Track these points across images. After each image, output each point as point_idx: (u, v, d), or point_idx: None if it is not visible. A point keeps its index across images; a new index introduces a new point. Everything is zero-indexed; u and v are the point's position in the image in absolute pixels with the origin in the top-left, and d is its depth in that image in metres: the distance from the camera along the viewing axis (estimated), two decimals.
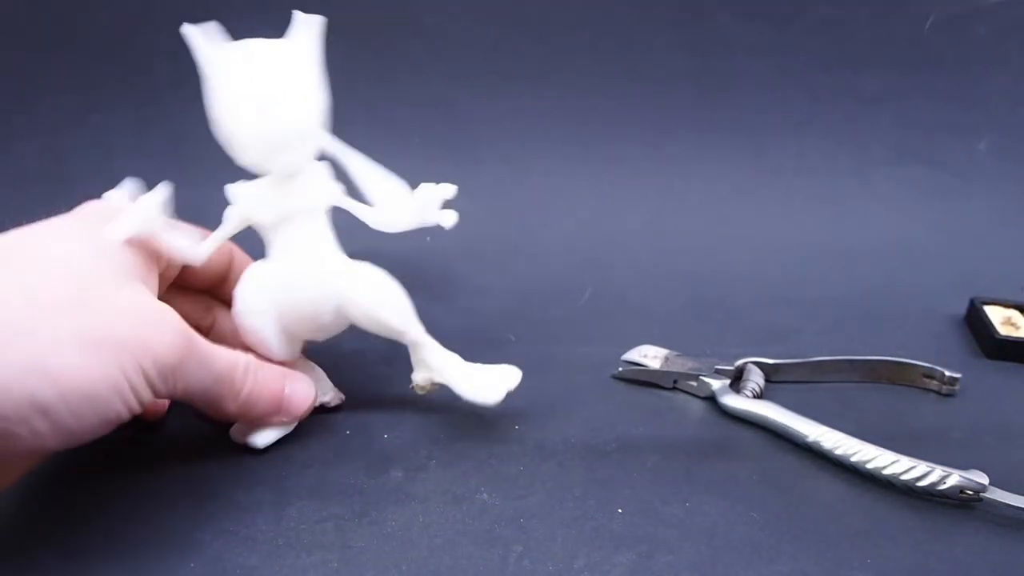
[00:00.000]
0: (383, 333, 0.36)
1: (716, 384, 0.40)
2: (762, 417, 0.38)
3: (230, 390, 0.32)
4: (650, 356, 0.44)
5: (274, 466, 0.35)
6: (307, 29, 0.32)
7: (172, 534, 0.30)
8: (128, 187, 0.32)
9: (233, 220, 0.34)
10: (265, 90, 0.31)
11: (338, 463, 0.35)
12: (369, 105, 0.61)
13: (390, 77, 0.62)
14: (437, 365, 0.37)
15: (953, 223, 0.64)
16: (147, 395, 0.28)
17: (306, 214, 0.34)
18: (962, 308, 0.52)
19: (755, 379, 0.41)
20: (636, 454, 0.36)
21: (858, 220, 0.64)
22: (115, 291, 0.28)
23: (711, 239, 0.61)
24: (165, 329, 0.28)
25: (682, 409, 0.40)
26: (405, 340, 0.37)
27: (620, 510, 0.32)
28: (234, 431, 0.35)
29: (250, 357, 0.33)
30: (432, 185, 0.35)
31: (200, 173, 0.63)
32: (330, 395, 0.38)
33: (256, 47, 0.31)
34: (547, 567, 0.29)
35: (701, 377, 0.41)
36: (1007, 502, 0.32)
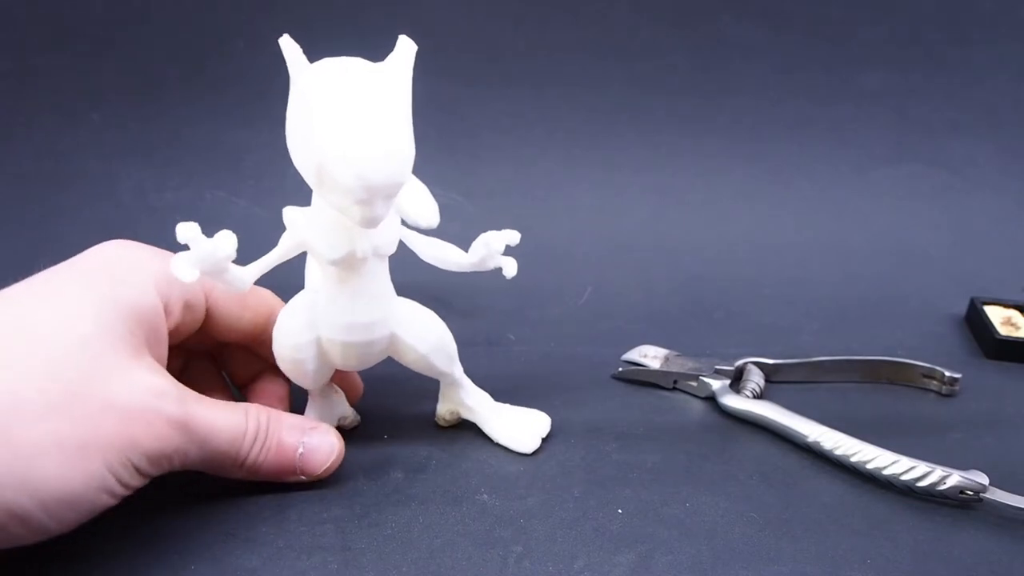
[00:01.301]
0: (426, 373, 0.36)
1: (716, 384, 0.40)
2: (762, 417, 0.38)
3: (233, 461, 0.30)
4: (650, 356, 0.44)
5: None
6: (408, 57, 0.28)
7: (172, 536, 0.30)
8: (189, 226, 0.28)
9: (286, 246, 0.31)
10: (383, 135, 0.27)
11: (339, 464, 0.35)
12: None
13: None
14: (472, 406, 0.37)
15: (953, 222, 0.64)
16: (137, 482, 0.27)
17: (377, 255, 0.32)
18: (962, 308, 0.52)
19: (755, 379, 0.41)
20: (636, 454, 0.36)
21: (858, 220, 0.64)
22: (107, 379, 0.26)
23: (711, 239, 0.61)
24: (157, 420, 0.27)
25: (682, 409, 0.40)
26: (444, 380, 0.37)
27: (620, 510, 0.32)
28: None
29: (261, 420, 0.31)
30: (495, 232, 0.34)
31: (199, 174, 0.63)
32: (349, 417, 0.37)
33: (366, 76, 0.27)
34: (547, 568, 0.29)
35: (701, 377, 0.41)
36: (1007, 502, 0.32)
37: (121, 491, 0.27)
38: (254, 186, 0.62)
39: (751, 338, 0.48)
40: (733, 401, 0.39)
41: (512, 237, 0.34)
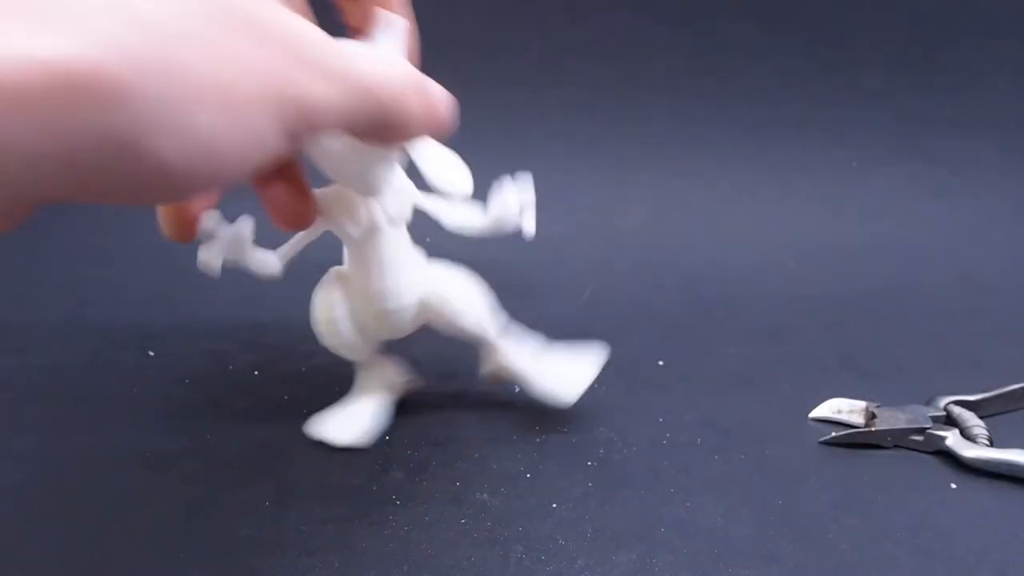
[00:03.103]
0: (460, 336, 0.36)
1: (950, 436, 0.36)
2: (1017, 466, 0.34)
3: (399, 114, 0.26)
4: (845, 411, 0.39)
5: (275, 467, 0.35)
6: (395, 33, 0.30)
7: (173, 535, 0.30)
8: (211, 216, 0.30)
9: (314, 226, 0.33)
10: None
11: (339, 464, 0.35)
12: None
13: None
14: (509, 366, 0.37)
15: (954, 221, 0.64)
16: (294, 128, 0.22)
17: (391, 224, 0.34)
18: (962, 308, 0.52)
19: (975, 422, 0.37)
20: (636, 454, 0.36)
21: (858, 219, 0.64)
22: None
23: (711, 239, 0.61)
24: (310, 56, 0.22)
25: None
26: (480, 343, 0.37)
27: (620, 510, 0.32)
28: (311, 429, 0.36)
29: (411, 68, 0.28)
30: (512, 190, 0.36)
31: None
32: (405, 382, 0.39)
33: None
34: (547, 568, 0.29)
35: (929, 431, 0.37)
36: None
37: (273, 142, 0.21)
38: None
39: (751, 338, 0.48)
40: (976, 452, 0.35)
41: (527, 194, 0.36)
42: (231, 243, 0.30)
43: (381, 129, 0.25)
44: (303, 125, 0.22)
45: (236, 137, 0.20)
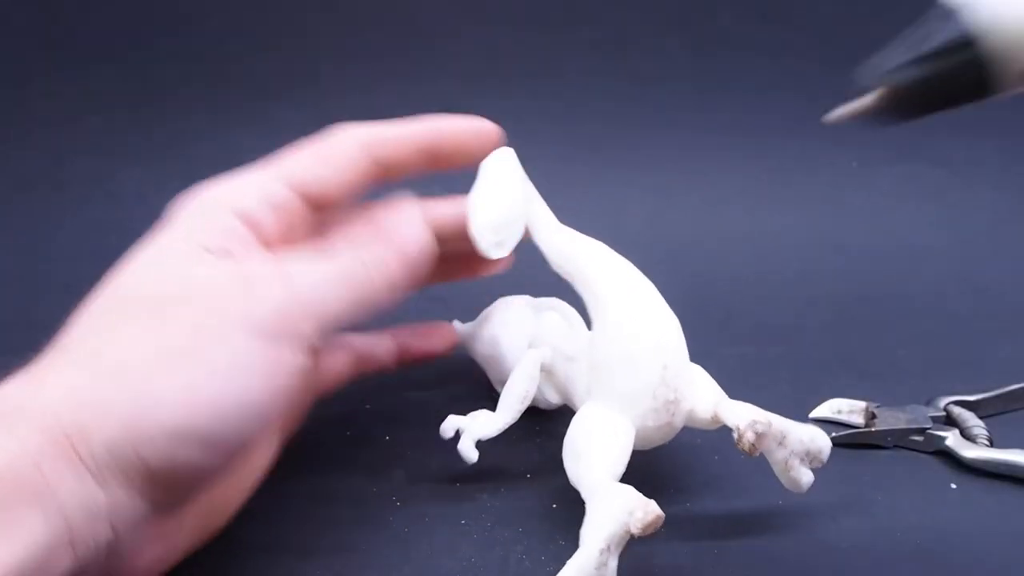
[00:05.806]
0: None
1: (950, 436, 0.36)
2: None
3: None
4: (845, 411, 0.39)
5: (275, 467, 0.35)
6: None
7: None
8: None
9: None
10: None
11: (339, 464, 0.35)
12: (368, 105, 0.61)
13: (389, 77, 0.63)
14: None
15: (954, 222, 0.64)
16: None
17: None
18: (962, 308, 0.52)
19: (975, 422, 0.37)
20: (636, 454, 0.36)
21: (858, 219, 0.64)
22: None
23: (711, 238, 0.61)
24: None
25: None
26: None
27: None
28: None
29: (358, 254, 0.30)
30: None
31: (200, 175, 0.63)
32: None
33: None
34: (547, 568, 0.29)
35: (929, 431, 0.37)
36: None
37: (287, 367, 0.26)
38: None
39: (751, 338, 0.48)
40: (976, 452, 0.35)
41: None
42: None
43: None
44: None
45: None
